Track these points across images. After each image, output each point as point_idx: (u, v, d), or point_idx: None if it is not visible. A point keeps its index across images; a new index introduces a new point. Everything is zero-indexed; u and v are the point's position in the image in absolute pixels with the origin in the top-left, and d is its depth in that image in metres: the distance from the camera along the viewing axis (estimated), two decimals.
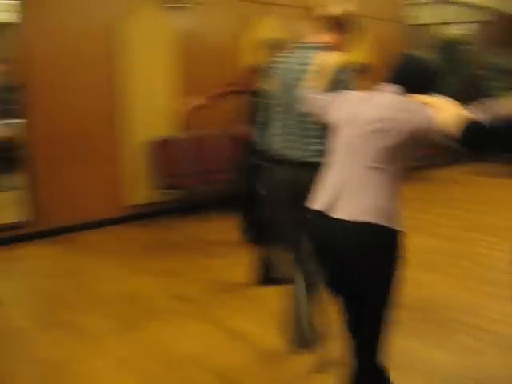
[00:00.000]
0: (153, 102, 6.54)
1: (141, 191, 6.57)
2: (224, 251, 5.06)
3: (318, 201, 2.50)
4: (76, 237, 6.05)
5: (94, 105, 6.14)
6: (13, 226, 5.82)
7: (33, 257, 5.54)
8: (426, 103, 2.35)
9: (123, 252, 5.63)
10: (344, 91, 2.68)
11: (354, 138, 2.43)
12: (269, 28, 6.98)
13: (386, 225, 2.31)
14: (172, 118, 6.70)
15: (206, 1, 6.74)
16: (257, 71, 4.39)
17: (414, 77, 2.50)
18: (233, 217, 4.76)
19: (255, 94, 4.25)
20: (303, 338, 3.38)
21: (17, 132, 5.54)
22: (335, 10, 3.02)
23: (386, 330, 2.46)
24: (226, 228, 5.04)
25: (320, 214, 2.44)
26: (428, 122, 2.29)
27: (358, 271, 2.41)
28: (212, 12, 6.86)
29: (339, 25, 3.04)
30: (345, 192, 2.39)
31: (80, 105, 6.06)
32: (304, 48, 3.06)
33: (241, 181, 4.64)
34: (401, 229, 2.37)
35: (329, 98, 2.72)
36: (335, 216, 2.37)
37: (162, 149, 6.58)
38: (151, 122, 6.56)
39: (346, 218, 2.33)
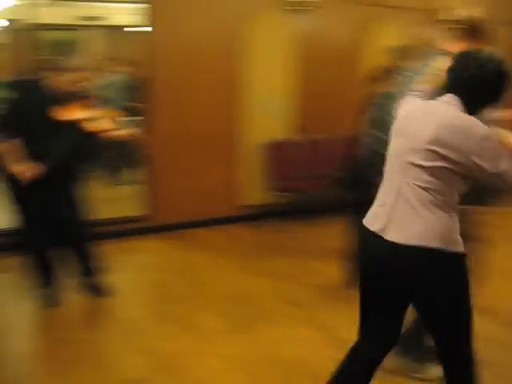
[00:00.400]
0: (270, 104, 6.56)
1: (254, 192, 6.62)
2: (335, 257, 4.97)
3: (371, 218, 2.38)
4: (189, 233, 6.18)
5: (213, 105, 6.25)
6: (131, 220, 6.05)
7: (148, 250, 5.74)
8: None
9: (235, 251, 5.69)
10: (414, 96, 2.42)
11: (405, 153, 2.22)
12: (392, 33, 6.81)
13: (440, 247, 2.15)
14: (289, 120, 6.70)
15: (326, 4, 6.67)
16: (379, 77, 4.28)
17: (471, 82, 2.14)
18: (345, 222, 4.67)
19: (373, 98, 4.15)
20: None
21: (139, 129, 5.74)
22: (464, 13, 2.85)
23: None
24: (338, 233, 4.94)
25: (372, 233, 2.32)
26: (492, 161, 2.05)
27: (415, 295, 2.30)
28: (332, 15, 6.77)
29: (470, 31, 2.85)
30: (397, 212, 2.23)
31: (199, 105, 6.19)
32: (430, 54, 2.90)
33: (352, 186, 4.54)
34: (459, 250, 2.20)
35: (404, 99, 2.44)
36: (387, 238, 2.24)
37: (277, 151, 6.59)
38: (268, 124, 6.58)
39: (398, 241, 2.20)
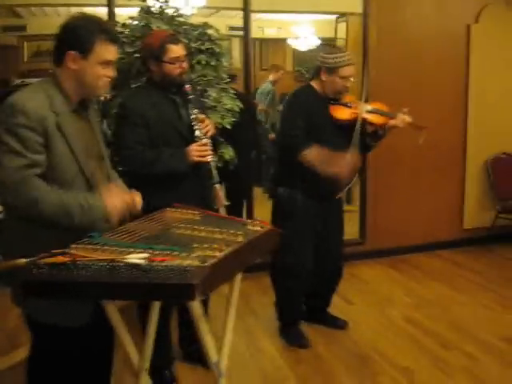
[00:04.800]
0: (504, 114, 5.74)
1: (479, 214, 5.83)
2: None
3: None
4: (406, 259, 5.50)
5: (440, 114, 5.47)
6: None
7: (370, 277, 5.12)
8: None
9: (473, 282, 4.92)
10: None
11: None
12: None
13: None
14: None
15: None
16: None
17: None
18: None
19: None
20: None
21: None
22: None
23: None
24: None
25: None
26: None
27: None
28: None
29: None
30: None
31: (423, 113, 5.47)
32: None
33: None
34: None
35: None
36: None
37: (507, 167, 5.78)
38: (499, 137, 5.78)
39: None
